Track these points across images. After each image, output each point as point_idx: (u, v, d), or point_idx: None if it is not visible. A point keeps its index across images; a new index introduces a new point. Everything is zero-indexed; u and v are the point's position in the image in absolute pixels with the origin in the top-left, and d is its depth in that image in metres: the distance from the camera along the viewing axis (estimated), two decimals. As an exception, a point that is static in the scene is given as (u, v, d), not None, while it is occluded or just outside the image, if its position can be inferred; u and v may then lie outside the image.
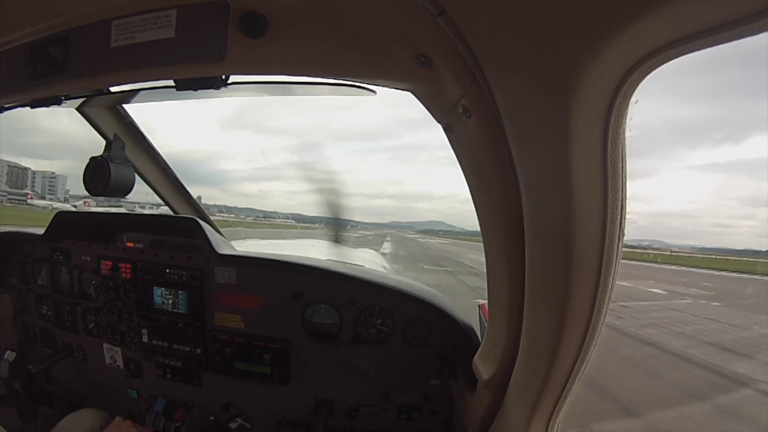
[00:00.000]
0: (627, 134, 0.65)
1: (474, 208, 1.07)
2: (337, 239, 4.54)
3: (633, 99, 0.61)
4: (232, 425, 1.94)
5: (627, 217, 0.72)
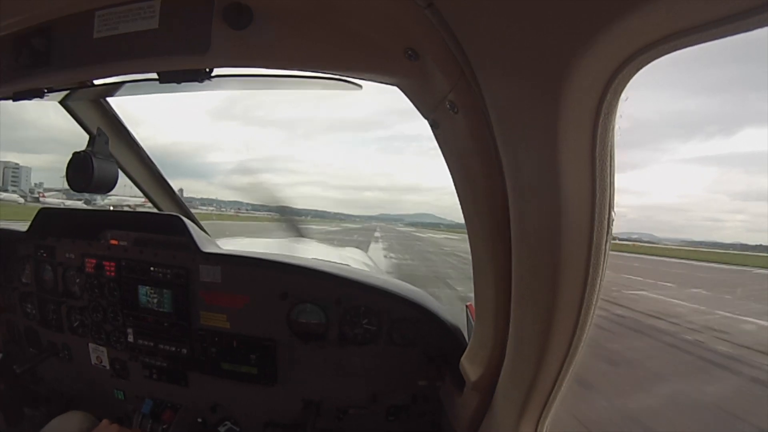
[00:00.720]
0: (616, 132, 0.64)
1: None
2: (298, 233, 4.45)
3: (623, 96, 0.60)
4: (221, 429, 1.92)
5: (616, 210, 0.71)
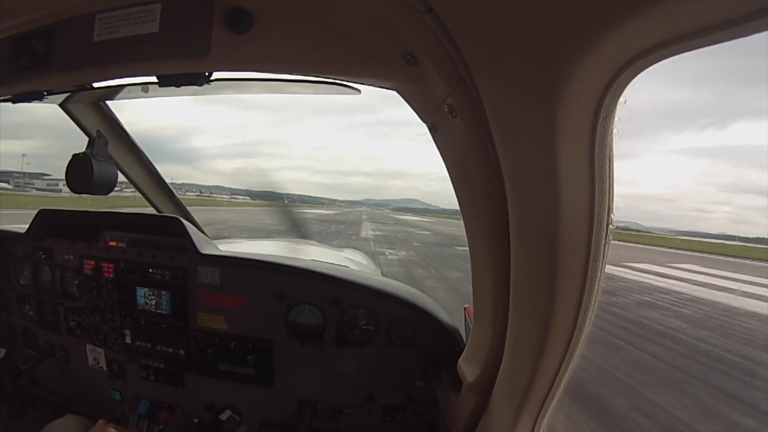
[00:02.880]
0: (615, 135, 0.64)
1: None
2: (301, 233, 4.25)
3: (621, 99, 0.60)
4: (222, 416, 1.93)
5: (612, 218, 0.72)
